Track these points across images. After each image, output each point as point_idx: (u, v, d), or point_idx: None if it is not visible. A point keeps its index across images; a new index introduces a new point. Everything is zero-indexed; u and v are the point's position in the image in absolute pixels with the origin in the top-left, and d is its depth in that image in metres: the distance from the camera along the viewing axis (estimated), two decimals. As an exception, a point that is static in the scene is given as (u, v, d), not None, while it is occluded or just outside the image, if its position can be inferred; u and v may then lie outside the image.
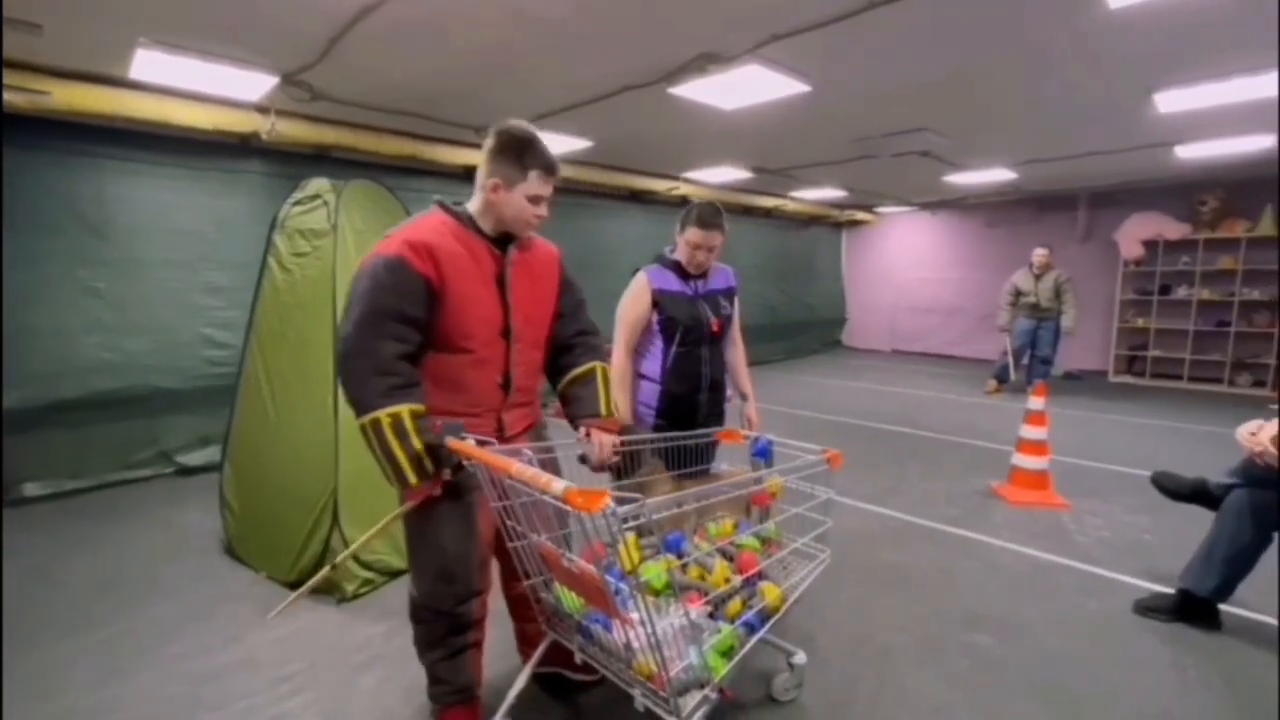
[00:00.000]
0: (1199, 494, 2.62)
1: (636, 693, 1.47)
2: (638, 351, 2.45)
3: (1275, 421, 2.21)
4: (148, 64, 3.35)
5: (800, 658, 2.00)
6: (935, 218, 10.60)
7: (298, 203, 3.14)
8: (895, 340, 11.35)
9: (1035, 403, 3.92)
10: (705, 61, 3.41)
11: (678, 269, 2.41)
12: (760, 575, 1.79)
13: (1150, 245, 8.12)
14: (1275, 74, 3.54)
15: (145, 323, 4.24)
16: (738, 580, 1.72)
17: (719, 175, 7.17)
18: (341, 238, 2.88)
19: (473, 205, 1.70)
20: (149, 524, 3.51)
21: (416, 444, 1.52)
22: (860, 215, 10.87)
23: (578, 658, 1.62)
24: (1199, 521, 2.58)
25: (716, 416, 2.51)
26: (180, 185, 4.38)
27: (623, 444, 1.90)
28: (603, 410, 1.83)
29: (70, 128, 3.87)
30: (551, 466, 1.77)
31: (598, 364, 1.88)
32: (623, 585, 1.49)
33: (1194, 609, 2.49)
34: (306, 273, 2.97)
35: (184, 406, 4.39)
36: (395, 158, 5.04)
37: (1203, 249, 7.79)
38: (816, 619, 2.52)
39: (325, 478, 2.67)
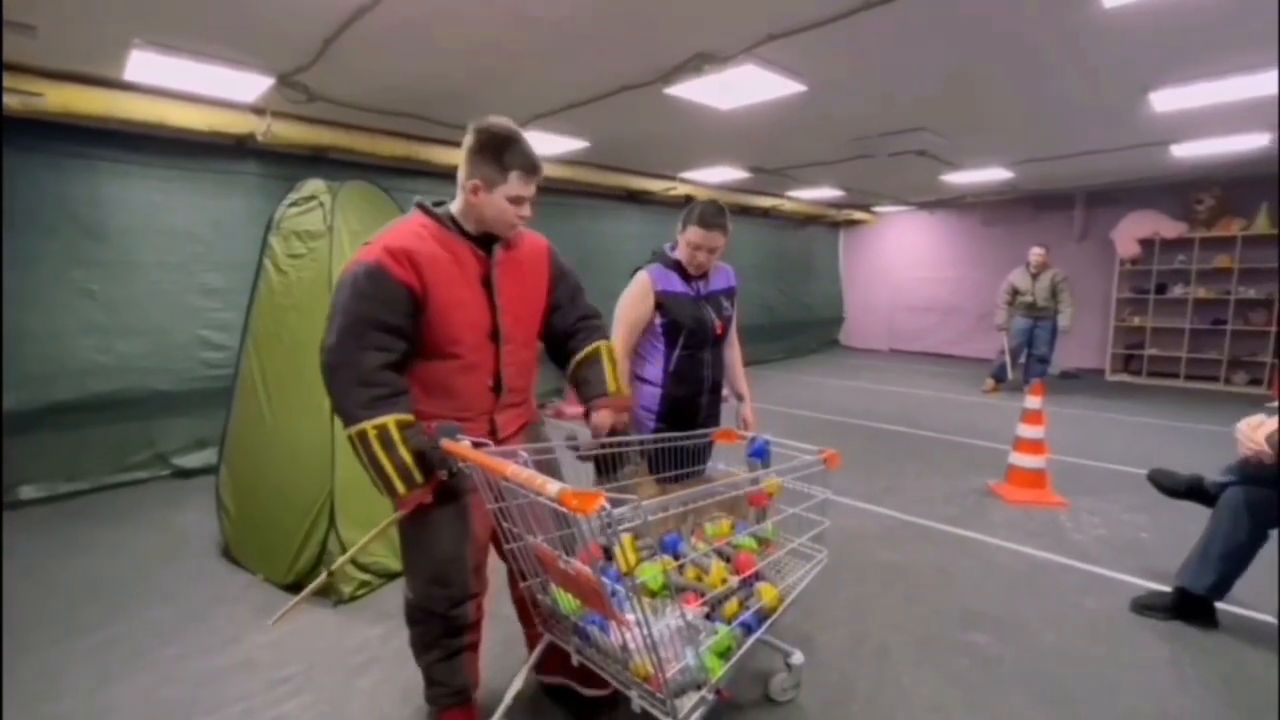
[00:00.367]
0: (1195, 491, 2.63)
1: (633, 694, 1.47)
2: (637, 353, 2.39)
3: (1275, 418, 2.21)
4: (142, 65, 3.34)
5: (798, 658, 2.00)
6: (932, 217, 10.61)
7: (293, 204, 3.13)
8: (893, 339, 11.37)
9: (1032, 401, 3.93)
10: (701, 61, 3.41)
11: (680, 269, 2.35)
12: (757, 576, 1.79)
13: (1146, 244, 8.14)
14: (1270, 73, 3.55)
15: (141, 325, 4.23)
16: (735, 581, 1.72)
17: (716, 175, 7.17)
18: (337, 239, 2.87)
19: (454, 206, 1.66)
20: (145, 526, 3.50)
21: (404, 454, 1.51)
22: (857, 215, 10.87)
23: (575, 659, 1.62)
24: (1196, 519, 2.59)
25: (715, 418, 2.50)
26: (175, 186, 4.37)
27: (617, 444, 1.90)
28: (610, 388, 1.84)
29: (64, 129, 3.85)
30: (547, 468, 1.76)
31: (600, 344, 1.89)
32: (618, 586, 1.49)
33: (1191, 607, 2.49)
34: (302, 274, 2.97)
35: (180, 409, 4.38)
36: (391, 159, 5.02)
37: (1199, 247, 7.81)
38: (814, 618, 2.52)
39: (321, 480, 2.67)
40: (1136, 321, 8.35)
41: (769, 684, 2.04)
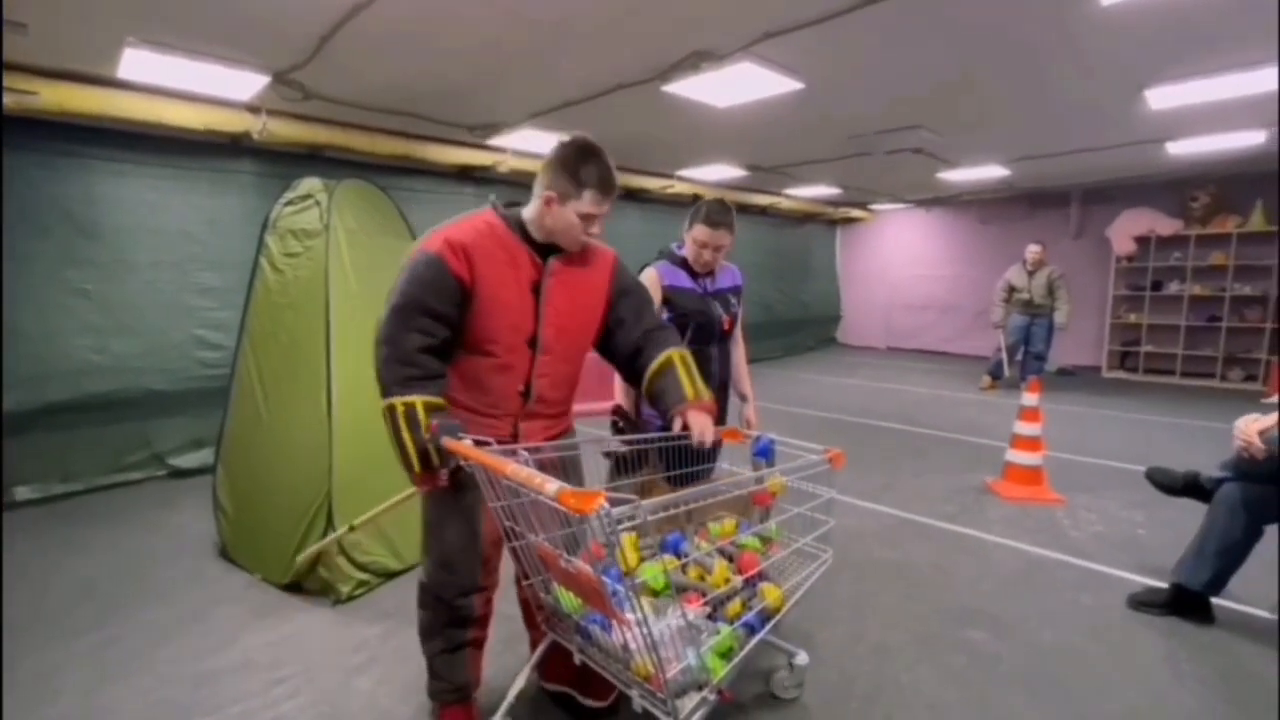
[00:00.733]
0: (1192, 488, 2.64)
1: (634, 693, 1.47)
2: None
3: (1275, 416, 2.21)
4: (136, 63, 3.31)
5: (802, 658, 2.00)
6: (929, 215, 10.63)
7: (289, 203, 3.12)
8: (890, 337, 11.38)
9: (1029, 399, 3.93)
10: (698, 59, 3.40)
11: (686, 266, 2.39)
12: (761, 576, 1.79)
13: (1142, 241, 8.17)
14: (1266, 69, 3.56)
15: (136, 324, 4.21)
16: (738, 581, 1.71)
17: (713, 173, 7.15)
18: (334, 238, 2.87)
19: (527, 211, 1.67)
20: (142, 527, 3.48)
21: (425, 436, 1.55)
22: (854, 212, 10.88)
23: (577, 658, 1.62)
24: (1192, 516, 2.60)
25: (722, 416, 2.50)
26: (170, 185, 4.34)
27: (631, 442, 1.90)
28: (688, 394, 1.76)
29: (58, 128, 3.82)
30: (555, 468, 1.72)
31: (671, 352, 1.81)
32: (620, 586, 1.49)
33: (1187, 603, 2.51)
34: (298, 273, 2.95)
35: (176, 408, 4.35)
36: (388, 157, 5.00)
37: (1194, 245, 7.84)
38: (813, 617, 2.52)
39: (319, 480, 2.66)
40: (1132, 318, 8.38)
41: (771, 682, 2.04)
